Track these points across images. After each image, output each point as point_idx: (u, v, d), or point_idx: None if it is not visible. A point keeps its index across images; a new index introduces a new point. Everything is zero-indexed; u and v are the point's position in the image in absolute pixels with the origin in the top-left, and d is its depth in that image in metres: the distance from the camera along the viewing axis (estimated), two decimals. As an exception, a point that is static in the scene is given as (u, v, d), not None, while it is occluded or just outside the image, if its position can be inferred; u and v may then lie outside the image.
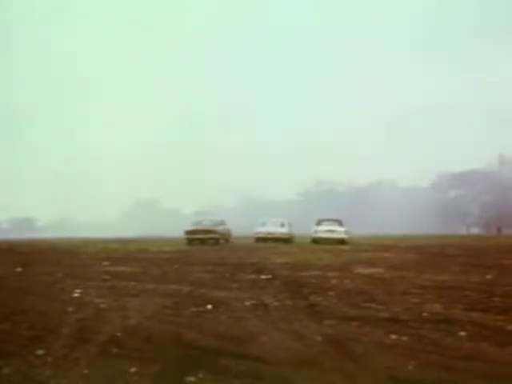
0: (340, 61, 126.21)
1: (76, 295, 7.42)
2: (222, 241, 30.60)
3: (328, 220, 32.88)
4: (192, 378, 3.54)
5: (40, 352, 4.19)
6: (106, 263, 13.42)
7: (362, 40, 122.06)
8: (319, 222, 32.30)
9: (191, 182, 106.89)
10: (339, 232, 29.70)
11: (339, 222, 31.97)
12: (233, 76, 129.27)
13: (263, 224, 32.81)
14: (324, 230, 30.32)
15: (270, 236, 30.74)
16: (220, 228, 31.18)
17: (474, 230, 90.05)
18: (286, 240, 30.58)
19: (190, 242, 29.63)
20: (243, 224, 46.27)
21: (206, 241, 29.28)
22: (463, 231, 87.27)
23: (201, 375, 3.59)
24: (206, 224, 31.65)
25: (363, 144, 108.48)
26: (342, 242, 28.20)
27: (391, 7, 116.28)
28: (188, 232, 30.29)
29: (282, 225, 32.49)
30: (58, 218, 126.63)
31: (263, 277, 9.52)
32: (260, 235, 31.21)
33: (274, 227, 31.82)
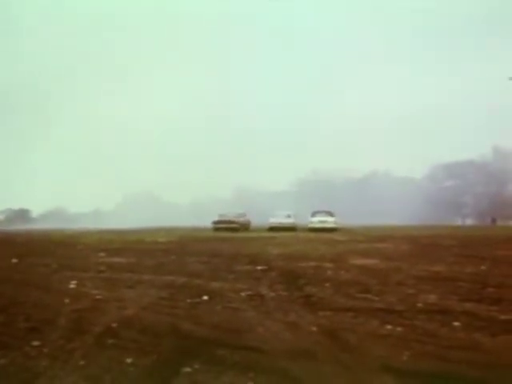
0: (338, 58, 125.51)
1: (72, 286, 7.43)
2: (241, 229, 37.64)
3: (321, 212, 39.05)
4: (188, 369, 3.56)
5: (36, 343, 4.20)
6: (101, 254, 13.41)
7: (358, 38, 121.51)
8: (313, 214, 38.53)
9: (187, 174, 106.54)
10: (329, 222, 35.92)
11: (330, 214, 38.27)
12: (232, 66, 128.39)
13: (273, 216, 39.59)
14: (317, 221, 36.52)
15: (279, 225, 36.98)
16: (240, 219, 39.47)
17: (469, 221, 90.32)
18: (292, 228, 36.64)
19: (216, 229, 36.82)
20: None
21: (228, 229, 36.10)
22: (458, 222, 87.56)
23: (197, 366, 3.61)
24: (229, 216, 39.34)
25: (359, 135, 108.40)
26: (332, 230, 33.72)
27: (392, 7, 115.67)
28: (214, 222, 38.43)
29: (289, 216, 39.37)
30: (53, 209, 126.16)
31: (259, 268, 9.54)
32: (272, 225, 37.59)
33: (282, 219, 38.73)
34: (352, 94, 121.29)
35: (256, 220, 46.11)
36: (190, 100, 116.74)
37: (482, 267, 9.39)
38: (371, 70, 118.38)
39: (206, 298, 6.32)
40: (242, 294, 6.62)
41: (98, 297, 6.45)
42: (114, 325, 4.81)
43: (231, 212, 41.36)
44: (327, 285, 7.31)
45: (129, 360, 3.75)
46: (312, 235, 26.72)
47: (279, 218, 38.93)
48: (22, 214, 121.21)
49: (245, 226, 40.22)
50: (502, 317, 5.08)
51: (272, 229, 36.81)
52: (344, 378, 3.36)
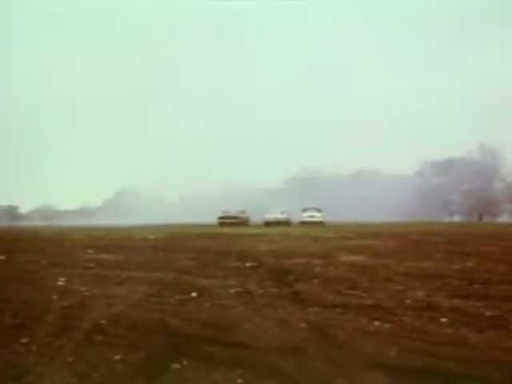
0: (332, 59, 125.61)
1: (60, 283, 7.39)
2: (242, 224, 44.12)
3: (310, 208, 45.71)
4: (177, 365, 3.56)
5: (24, 340, 4.18)
6: (90, 251, 13.35)
7: (353, 38, 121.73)
8: (304, 210, 45.27)
9: (176, 170, 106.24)
10: (317, 217, 43.27)
11: (318, 210, 45.20)
12: (228, 67, 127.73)
13: (269, 212, 45.54)
14: (307, 216, 43.66)
15: (275, 220, 42.90)
16: (242, 215, 46.17)
17: (457, 218, 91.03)
18: (286, 223, 42.97)
19: (221, 224, 42.82)
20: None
21: (232, 223, 42.32)
22: (446, 218, 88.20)
23: (186, 362, 3.62)
24: (232, 212, 45.80)
25: (349, 134, 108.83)
26: (320, 223, 41.14)
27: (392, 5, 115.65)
28: (220, 218, 44.61)
29: (283, 212, 45.54)
30: (41, 207, 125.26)
31: (248, 264, 9.55)
32: (268, 220, 43.29)
33: (277, 214, 44.73)
34: (343, 93, 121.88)
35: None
36: (188, 99, 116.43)
37: (469, 264, 9.48)
38: (364, 70, 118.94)
39: (194, 294, 6.32)
40: (231, 290, 6.62)
41: (86, 293, 6.43)
42: (103, 321, 4.80)
43: (233, 209, 47.36)
44: (316, 281, 7.33)
45: (117, 357, 3.75)
46: (301, 232, 26.81)
47: (274, 214, 44.69)
48: (10, 211, 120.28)
49: (245, 222, 46.34)
50: (488, 313, 5.13)
51: (268, 223, 42.25)
52: (333, 374, 3.38)
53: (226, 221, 43.43)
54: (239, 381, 3.29)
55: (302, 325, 4.65)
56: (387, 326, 4.63)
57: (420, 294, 6.28)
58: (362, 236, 21.01)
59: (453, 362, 3.57)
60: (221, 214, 45.59)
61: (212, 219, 48.61)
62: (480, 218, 79.35)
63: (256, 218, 50.26)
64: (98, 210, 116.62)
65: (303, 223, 42.20)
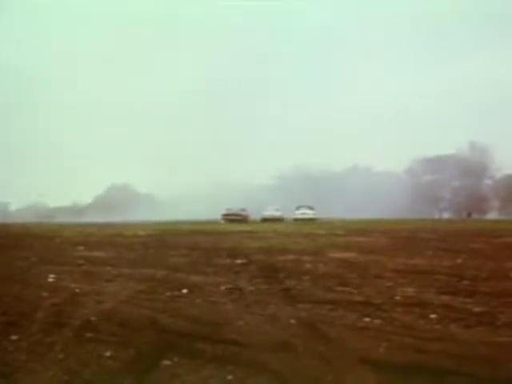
0: (327, 58, 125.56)
1: (51, 280, 7.36)
2: (243, 221, 47.47)
3: (303, 206, 50.56)
4: (167, 362, 3.56)
5: (14, 337, 4.17)
6: (80, 248, 13.29)
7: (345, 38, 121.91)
8: (297, 208, 50.06)
9: (166, 168, 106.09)
10: (309, 214, 47.91)
11: (310, 207, 50.04)
12: (224, 64, 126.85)
13: (265, 210, 50.61)
14: (300, 213, 48.26)
15: (271, 217, 47.73)
16: (243, 213, 49.69)
17: (446, 215, 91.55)
18: (281, 220, 47.81)
19: (225, 220, 46.97)
20: (220, 209, 49.96)
21: (235, 220, 46.12)
22: (436, 215, 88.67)
23: (176, 359, 3.62)
24: (234, 210, 49.67)
25: (339, 130, 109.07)
26: (312, 220, 45.23)
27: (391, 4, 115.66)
28: (224, 215, 48.58)
29: (278, 210, 50.50)
30: (32, 203, 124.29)
31: (238, 261, 9.56)
32: (265, 217, 48.47)
33: (272, 212, 49.95)
34: (336, 92, 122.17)
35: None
36: (179, 96, 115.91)
37: (458, 260, 9.55)
38: (358, 70, 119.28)
39: (185, 291, 6.32)
40: (222, 287, 6.63)
41: (76, 290, 6.41)
42: (93, 318, 4.79)
43: (235, 207, 51.39)
44: (306, 278, 7.36)
45: (108, 353, 3.75)
46: (292, 229, 26.86)
47: (270, 212, 49.86)
48: (1, 208, 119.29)
49: (246, 219, 49.84)
50: (476, 309, 5.18)
51: (265, 220, 47.23)
52: (323, 370, 3.40)
53: (229, 217, 47.79)
54: (229, 377, 3.30)
55: (293, 321, 4.67)
56: (377, 322, 4.66)
57: (410, 290, 6.32)
58: (353, 233, 21.09)
59: (442, 358, 3.60)
60: (225, 212, 49.83)
61: (202, 217, 49.62)
62: (469, 214, 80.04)
63: (250, 215, 51.70)
64: (88, 207, 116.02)
65: (296, 220, 46.02)
